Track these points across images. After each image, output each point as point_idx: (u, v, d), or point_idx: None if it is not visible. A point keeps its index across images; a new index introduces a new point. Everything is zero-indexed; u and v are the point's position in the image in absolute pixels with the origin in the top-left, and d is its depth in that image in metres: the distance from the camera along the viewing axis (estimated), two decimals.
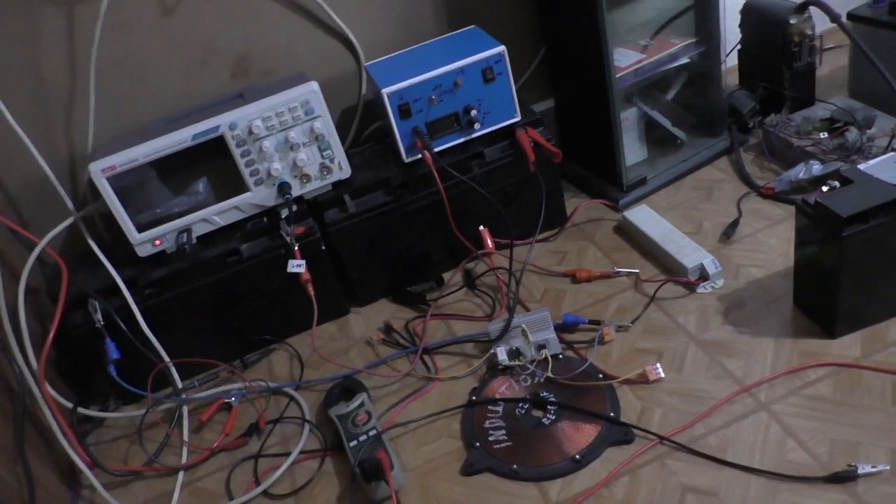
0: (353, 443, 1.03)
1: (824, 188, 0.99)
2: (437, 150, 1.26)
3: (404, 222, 1.30)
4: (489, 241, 1.32)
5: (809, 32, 1.44)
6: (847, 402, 0.95)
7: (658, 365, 1.06)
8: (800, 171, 1.33)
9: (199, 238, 1.24)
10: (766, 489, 0.88)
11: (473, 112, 1.26)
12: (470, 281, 1.34)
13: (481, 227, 1.32)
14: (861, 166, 1.01)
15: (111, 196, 1.16)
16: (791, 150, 1.40)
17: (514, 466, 0.98)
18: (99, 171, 1.14)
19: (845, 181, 1.00)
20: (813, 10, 1.41)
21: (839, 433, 0.92)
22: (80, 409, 1.19)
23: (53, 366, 1.23)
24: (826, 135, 1.37)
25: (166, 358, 1.21)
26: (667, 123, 1.50)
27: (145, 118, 1.32)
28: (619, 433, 0.99)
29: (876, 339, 1.03)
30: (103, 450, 1.22)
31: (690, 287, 1.20)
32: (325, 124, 1.22)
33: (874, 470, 0.86)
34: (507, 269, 1.29)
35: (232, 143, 1.18)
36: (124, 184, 1.17)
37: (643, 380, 1.06)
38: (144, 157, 1.16)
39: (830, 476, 0.86)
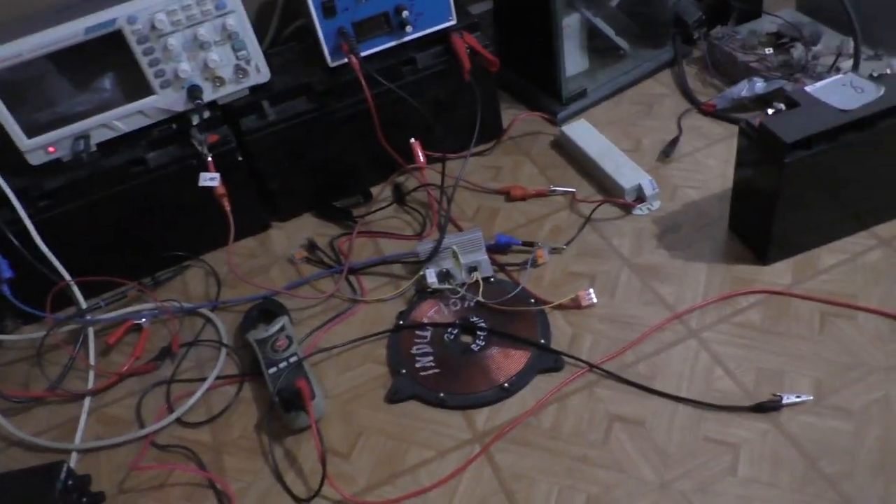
0: (273, 370, 0.98)
1: (769, 110, 0.95)
2: (364, 54, 1.16)
3: (329, 132, 1.21)
4: (420, 155, 1.24)
5: None
6: (775, 331, 0.95)
7: (591, 290, 1.03)
8: (742, 89, 1.28)
9: (99, 145, 1.12)
10: (692, 418, 0.87)
11: (405, 13, 1.15)
12: (399, 197, 1.27)
13: (412, 140, 1.24)
14: (808, 88, 0.97)
15: None
16: (735, 65, 1.35)
17: (441, 394, 0.95)
18: None
19: (791, 103, 0.96)
20: None
21: (766, 362, 0.91)
22: None
23: None
24: (771, 50, 1.32)
25: (67, 276, 1.11)
26: (610, 32, 1.42)
27: (33, 4, 1.16)
28: (549, 360, 0.96)
29: (807, 266, 1.02)
30: (1, 374, 1.13)
31: (627, 208, 1.16)
32: (239, 21, 1.09)
33: (798, 400, 0.86)
34: (438, 185, 1.22)
35: (132, 40, 1.05)
36: (11, 82, 1.03)
37: (575, 305, 1.03)
38: (30, 51, 1.02)
39: (755, 406, 0.86)
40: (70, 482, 0.87)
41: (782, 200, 0.96)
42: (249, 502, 0.89)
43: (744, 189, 1.04)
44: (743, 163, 1.02)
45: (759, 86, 1.27)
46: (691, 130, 1.29)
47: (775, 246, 1.02)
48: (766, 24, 1.39)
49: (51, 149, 1.10)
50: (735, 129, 1.23)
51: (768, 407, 0.86)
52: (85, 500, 0.89)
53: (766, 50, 1.33)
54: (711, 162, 1.22)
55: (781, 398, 0.86)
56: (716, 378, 0.91)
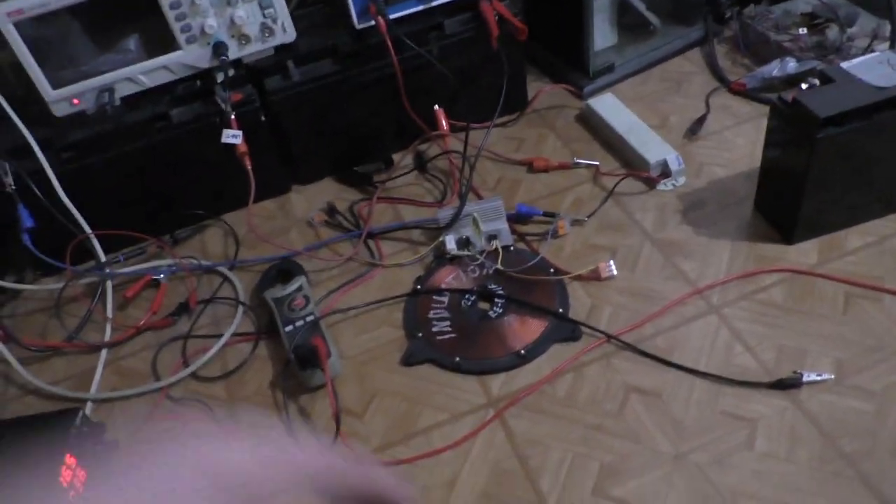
0: (289, 328, 0.98)
1: (803, 85, 0.93)
2: (392, 17, 1.14)
3: (353, 95, 1.20)
4: (444, 122, 1.23)
5: None
6: (798, 310, 0.93)
7: (611, 262, 1.02)
8: (774, 69, 1.26)
9: (123, 100, 1.12)
10: (710, 392, 0.86)
11: None
12: (421, 164, 1.26)
13: (436, 107, 1.23)
14: (844, 64, 0.95)
15: (19, 44, 1.02)
16: (767, 45, 1.32)
17: (457, 359, 0.95)
18: (4, 14, 1.00)
19: (825, 79, 0.94)
20: None
21: (788, 340, 0.90)
22: None
23: None
24: (805, 31, 1.30)
25: (87, 229, 1.11)
26: (641, 7, 1.40)
27: None
28: (566, 330, 0.96)
29: (833, 247, 1.00)
30: (19, 323, 1.14)
31: (651, 183, 1.14)
32: None
33: (819, 378, 0.85)
34: (461, 153, 1.21)
35: None
36: (39, 34, 1.03)
37: (595, 276, 1.02)
38: (58, 1, 1.01)
39: (775, 382, 0.85)
40: (85, 428, 0.87)
41: (811, 179, 0.94)
42: None
43: (772, 167, 1.02)
44: (773, 140, 1.00)
45: (792, 66, 1.25)
46: (720, 109, 1.27)
47: (802, 225, 1.00)
48: (801, 5, 1.36)
49: (75, 101, 1.10)
50: (764, 109, 1.22)
51: (788, 384, 0.85)
52: (99, 447, 0.90)
53: (800, 30, 1.30)
54: (739, 140, 1.20)
55: (802, 376, 0.85)
56: (735, 354, 0.90)
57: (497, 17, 1.18)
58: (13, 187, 1.06)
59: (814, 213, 0.98)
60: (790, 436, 0.81)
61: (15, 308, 1.16)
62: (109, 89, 1.10)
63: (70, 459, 0.80)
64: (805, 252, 1.00)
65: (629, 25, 1.43)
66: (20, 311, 1.16)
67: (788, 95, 0.93)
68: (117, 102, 1.11)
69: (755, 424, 0.82)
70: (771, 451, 0.80)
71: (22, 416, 0.92)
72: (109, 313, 1.11)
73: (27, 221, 1.08)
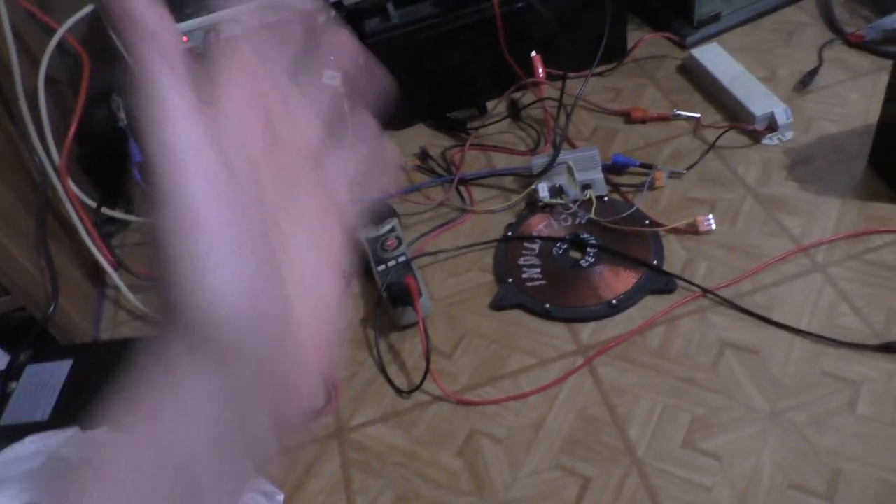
0: (382, 267, 1.00)
1: None
2: None
3: (451, 39, 1.19)
4: (540, 70, 1.21)
5: None
6: None
7: (710, 216, 0.99)
8: None
9: (226, 40, 1.15)
10: (812, 352, 0.84)
11: None
12: (515, 111, 1.25)
13: (533, 54, 1.21)
14: None
15: None
16: None
17: (547, 305, 0.94)
18: None
19: None
20: None
21: None
22: (105, 210, 1.16)
23: (77, 162, 1.19)
24: None
25: None
26: None
27: None
28: (660, 282, 0.94)
29: None
30: (128, 252, 1.20)
31: (756, 137, 1.10)
32: None
33: None
34: (556, 100, 1.19)
35: None
36: None
37: (692, 230, 0.99)
38: None
39: (883, 345, 0.82)
40: None
41: None
42: (353, 391, 0.92)
43: (893, 123, 0.96)
44: (895, 93, 0.94)
45: None
46: (834, 62, 1.20)
47: None
48: None
49: (184, 38, 1.13)
50: (884, 63, 1.16)
51: None
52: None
53: None
54: (854, 96, 1.14)
55: None
56: (840, 314, 0.86)
57: None
58: (125, 122, 1.11)
59: None
60: None
61: (125, 238, 1.22)
62: (216, 29, 1.12)
63: None
64: None
65: None
66: (130, 241, 1.22)
67: None
68: (223, 43, 1.13)
69: (859, 387, 0.79)
70: (875, 414, 0.77)
71: (131, 336, 0.98)
72: None
73: (137, 156, 1.13)
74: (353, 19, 1.17)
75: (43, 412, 0.82)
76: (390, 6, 1.15)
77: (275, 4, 0.29)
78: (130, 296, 1.09)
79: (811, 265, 0.92)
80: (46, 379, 0.87)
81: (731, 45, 1.27)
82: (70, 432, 0.70)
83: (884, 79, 0.95)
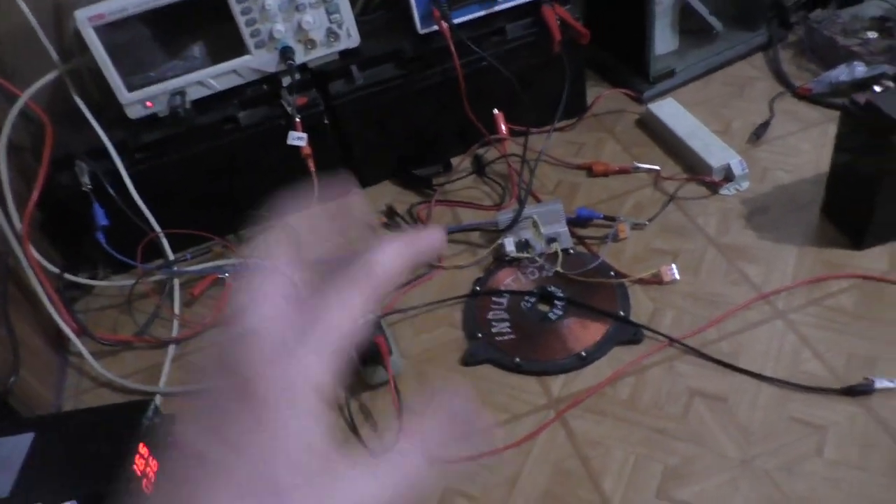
0: None
1: (877, 88, 0.91)
2: (455, 22, 1.16)
3: (414, 99, 1.22)
4: (503, 126, 1.24)
5: None
6: (869, 316, 0.91)
7: (673, 266, 1.01)
8: (841, 73, 1.23)
9: (194, 103, 1.16)
10: (777, 397, 0.85)
11: None
12: (479, 167, 1.27)
13: (496, 111, 1.24)
14: None
15: (98, 48, 1.06)
16: (834, 49, 1.30)
17: (517, 359, 0.95)
18: (86, 19, 1.04)
19: None
20: None
21: (858, 346, 0.88)
22: (68, 276, 1.15)
23: (40, 228, 1.18)
24: (875, 35, 1.27)
25: (157, 228, 1.15)
26: (704, 11, 1.38)
27: None
28: (627, 333, 0.95)
29: None
30: (92, 318, 1.18)
31: (713, 188, 1.13)
32: None
33: (892, 385, 0.83)
34: (520, 156, 1.22)
35: None
36: (115, 40, 1.07)
37: (657, 280, 1.01)
38: (135, 7, 1.06)
39: (845, 388, 0.83)
40: (157, 419, 0.90)
41: (886, 183, 0.92)
42: None
43: (843, 171, 1.00)
44: (844, 144, 0.98)
45: (860, 70, 1.22)
46: (784, 114, 1.25)
47: (872, 231, 0.98)
48: (870, 9, 1.33)
49: (149, 103, 1.14)
50: (831, 114, 1.20)
51: (859, 391, 0.83)
52: (170, 438, 0.92)
53: (869, 34, 1.28)
54: (805, 146, 1.18)
55: (874, 382, 0.83)
56: (803, 360, 0.88)
57: (559, 22, 1.18)
58: (89, 187, 1.11)
59: (886, 218, 0.96)
60: (862, 443, 0.79)
61: (88, 303, 1.20)
62: (182, 92, 1.14)
63: (143, 449, 0.83)
64: (876, 257, 0.98)
65: (691, 30, 1.41)
66: (93, 306, 1.20)
67: (861, 98, 0.92)
68: (188, 105, 1.14)
69: (825, 431, 0.80)
70: (842, 458, 0.78)
71: (96, 406, 0.95)
72: (177, 310, 1.14)
73: (101, 220, 1.13)
74: (318, 82, 1.19)
75: (2, 489, 0.79)
76: (354, 68, 1.18)
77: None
78: (94, 362, 1.07)
79: (773, 312, 0.94)
80: (7, 454, 0.84)
81: (686, 99, 1.31)
82: None
83: (832, 129, 0.99)
